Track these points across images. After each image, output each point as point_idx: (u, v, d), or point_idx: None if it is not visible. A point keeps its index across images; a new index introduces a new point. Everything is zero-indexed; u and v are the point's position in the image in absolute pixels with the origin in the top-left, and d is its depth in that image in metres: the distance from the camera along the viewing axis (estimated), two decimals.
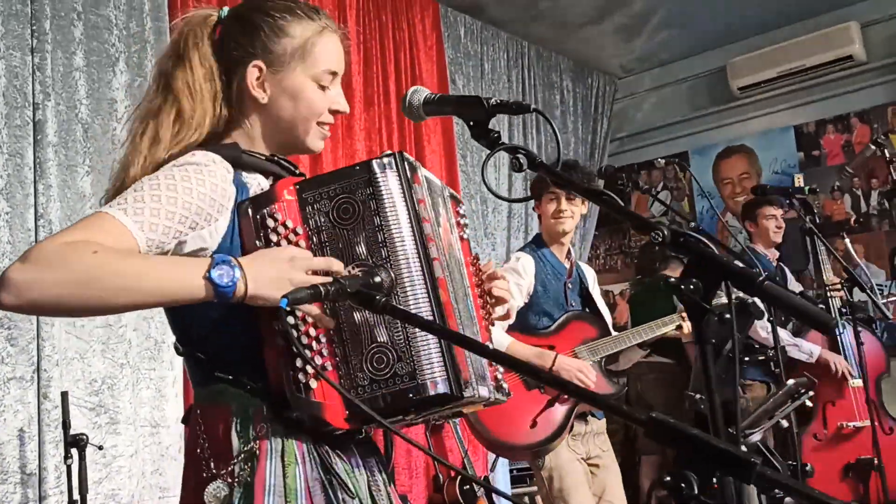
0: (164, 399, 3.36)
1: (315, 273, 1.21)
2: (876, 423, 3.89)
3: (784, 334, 3.90)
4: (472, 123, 1.28)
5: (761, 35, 5.81)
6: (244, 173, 1.35)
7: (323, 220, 1.28)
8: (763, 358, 2.29)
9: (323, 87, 1.39)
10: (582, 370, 2.73)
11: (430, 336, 1.24)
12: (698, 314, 1.02)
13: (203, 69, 1.37)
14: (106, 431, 3.16)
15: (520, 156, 1.19)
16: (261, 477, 1.22)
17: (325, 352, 1.25)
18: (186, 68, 1.37)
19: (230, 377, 1.27)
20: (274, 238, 1.26)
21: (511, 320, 2.21)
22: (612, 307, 6.50)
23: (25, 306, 1.10)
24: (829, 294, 3.74)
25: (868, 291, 3.23)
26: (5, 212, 3.02)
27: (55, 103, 3.17)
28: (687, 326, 2.70)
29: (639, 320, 5.45)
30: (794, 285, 4.31)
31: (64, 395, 2.94)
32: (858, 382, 3.80)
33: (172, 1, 3.60)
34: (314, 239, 1.28)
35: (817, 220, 3.76)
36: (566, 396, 2.75)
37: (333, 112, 1.42)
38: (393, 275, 1.26)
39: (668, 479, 0.90)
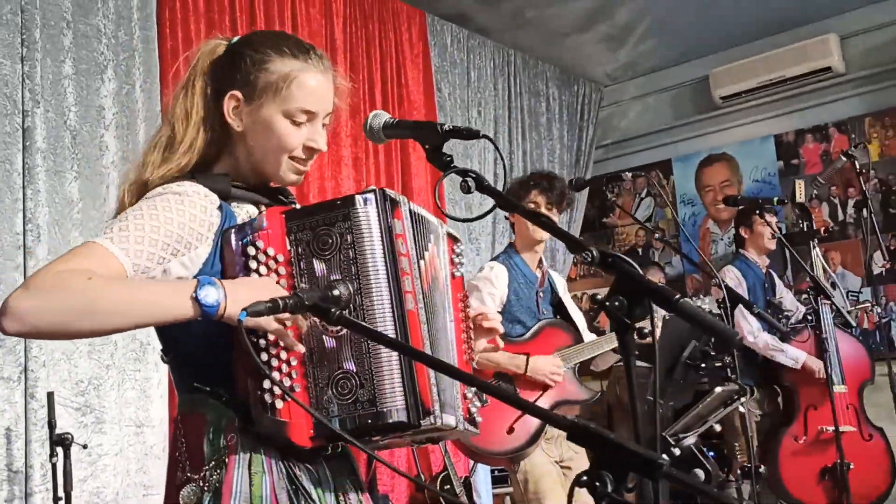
0: (149, 400, 3.44)
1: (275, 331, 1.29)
2: (854, 429, 3.99)
3: (771, 340, 3.98)
4: (427, 147, 1.37)
5: (743, 46, 5.93)
6: (234, 203, 1.43)
7: (303, 249, 1.35)
8: (720, 364, 2.38)
9: (298, 124, 1.43)
10: (554, 371, 2.81)
11: (393, 366, 1.31)
12: (623, 329, 1.12)
13: (200, 97, 1.46)
14: (91, 431, 3.23)
15: (469, 179, 1.28)
16: (228, 484, 1.31)
17: (294, 374, 1.32)
18: (188, 95, 1.46)
19: (208, 388, 1.35)
20: (254, 265, 1.34)
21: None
22: (596, 312, 6.61)
23: (27, 332, 1.20)
24: (821, 299, 3.78)
25: (832, 301, 3.32)
26: None
27: (44, 110, 3.25)
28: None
29: None
30: (784, 292, 4.40)
31: (50, 395, 3.02)
32: (843, 388, 3.90)
33: (161, 10, 3.69)
34: (294, 267, 1.35)
35: (813, 227, 3.84)
36: (551, 399, 2.83)
37: (309, 150, 1.46)
38: (364, 301, 1.32)
39: (585, 477, 0.99)
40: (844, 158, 4.01)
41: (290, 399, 1.30)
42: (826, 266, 4.23)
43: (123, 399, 3.37)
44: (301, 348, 1.33)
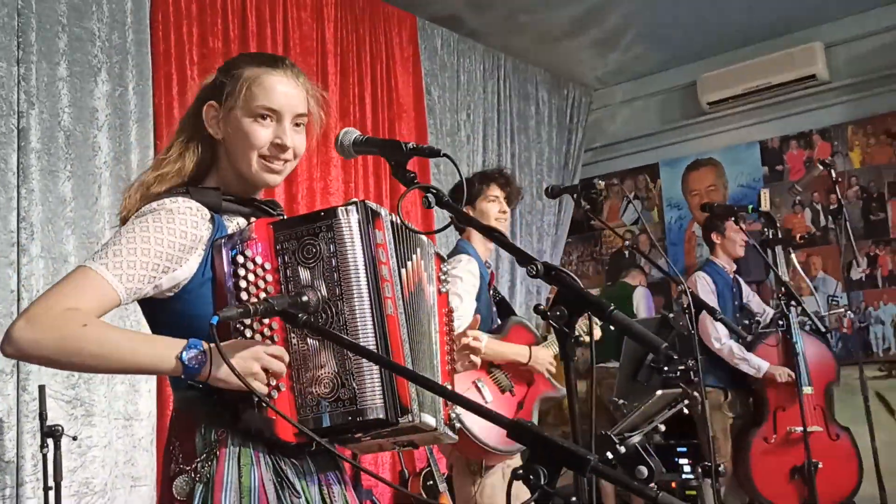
0: (138, 394, 3.53)
1: (265, 369, 1.38)
2: (822, 429, 4.11)
3: (736, 348, 4.09)
4: (393, 163, 1.46)
5: (730, 52, 6.02)
6: (226, 216, 1.53)
7: (289, 258, 1.44)
8: (683, 368, 2.47)
9: (263, 122, 1.52)
10: (553, 362, 2.87)
11: (372, 366, 1.40)
12: (562, 337, 1.21)
13: (193, 117, 1.59)
14: (81, 423, 3.32)
15: (430, 194, 1.37)
16: (219, 476, 1.41)
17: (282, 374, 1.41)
18: (186, 118, 1.61)
19: (200, 386, 1.43)
20: (242, 272, 1.43)
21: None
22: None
23: (24, 359, 1.41)
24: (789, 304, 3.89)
25: (804, 306, 3.42)
26: None
27: (39, 111, 3.33)
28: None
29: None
30: (751, 295, 4.50)
31: (41, 388, 3.11)
32: (809, 390, 4.01)
33: (154, 14, 3.77)
34: (281, 275, 1.44)
35: (779, 236, 3.94)
36: (535, 393, 2.89)
37: (277, 147, 1.53)
38: (345, 306, 1.41)
39: (521, 471, 1.09)
40: (821, 167, 4.11)
41: (275, 397, 1.40)
42: (800, 270, 4.34)
43: (113, 393, 3.45)
44: (281, 364, 1.41)
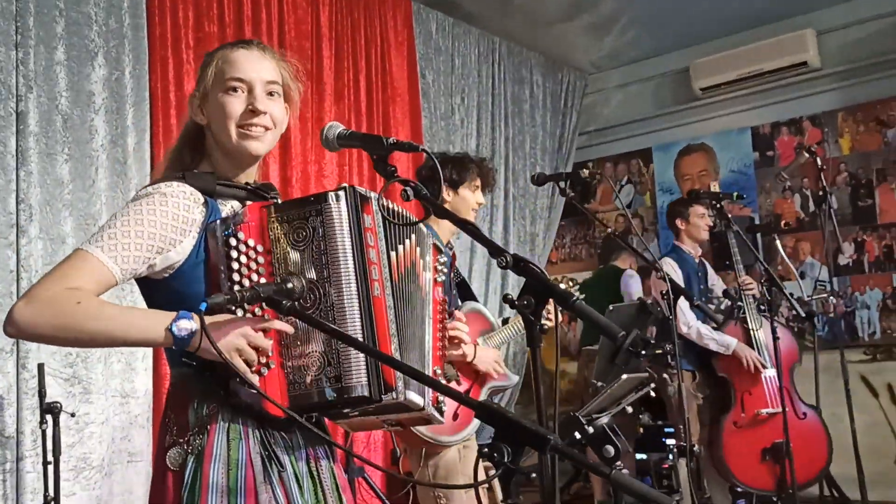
0: (134, 372, 3.61)
1: (251, 345, 1.45)
2: (789, 409, 4.22)
3: (704, 329, 4.19)
4: (375, 157, 1.53)
5: (723, 39, 6.06)
6: (220, 200, 1.61)
7: (281, 240, 1.51)
8: (660, 352, 2.56)
9: (235, 93, 1.59)
10: (497, 361, 2.90)
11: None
12: (529, 324, 1.29)
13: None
14: (79, 400, 3.41)
15: (408, 188, 1.44)
16: (209, 448, 1.49)
17: (271, 352, 1.49)
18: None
19: (194, 363, 1.51)
20: (235, 254, 1.50)
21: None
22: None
23: (25, 338, 1.52)
24: (743, 291, 4.03)
25: (784, 292, 3.51)
26: None
27: (37, 95, 3.39)
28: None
29: (589, 304, 5.74)
30: (715, 279, 4.60)
31: (41, 366, 3.19)
32: (771, 372, 4.12)
33: None
34: (273, 256, 1.51)
35: (732, 226, 4.06)
36: (478, 384, 2.92)
37: (251, 113, 1.59)
38: (332, 288, 1.47)
39: (486, 449, 1.17)
40: (807, 154, 4.18)
41: (264, 375, 1.48)
42: (784, 256, 4.43)
43: (110, 371, 3.54)
44: (290, 328, 1.48)
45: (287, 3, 4.43)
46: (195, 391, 1.53)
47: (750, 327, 3.91)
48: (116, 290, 1.51)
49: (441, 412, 1.70)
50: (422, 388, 1.61)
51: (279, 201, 1.62)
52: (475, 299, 3.15)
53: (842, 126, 5.74)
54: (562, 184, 2.71)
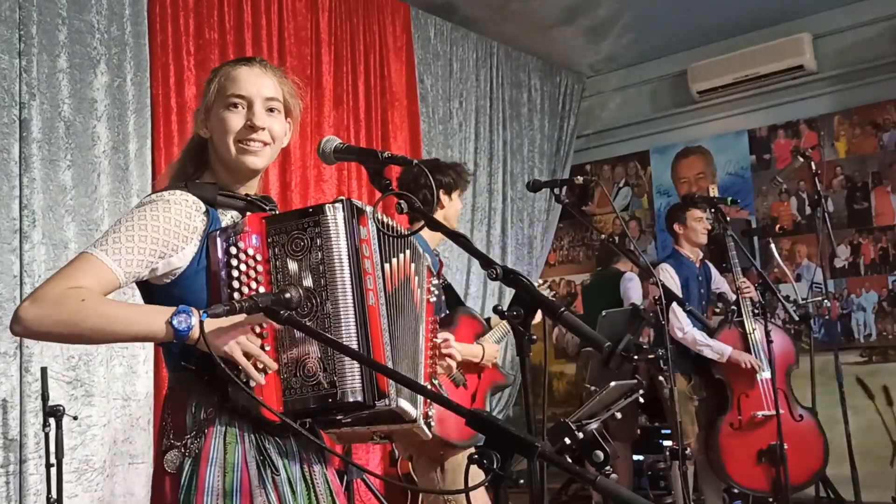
0: (136, 375, 3.66)
1: (246, 354, 1.49)
2: (784, 412, 4.26)
3: (699, 336, 4.22)
4: (370, 170, 1.58)
5: (720, 42, 6.10)
6: (220, 209, 1.65)
7: (279, 250, 1.55)
8: (652, 357, 2.60)
9: (235, 110, 1.64)
10: (496, 354, 2.98)
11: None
12: (519, 334, 1.34)
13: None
14: (81, 403, 3.45)
15: (402, 202, 1.49)
16: (206, 451, 1.53)
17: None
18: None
19: (193, 368, 1.56)
20: (234, 263, 1.55)
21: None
22: (573, 296, 6.85)
23: (30, 336, 1.56)
24: (740, 294, 4.07)
25: (778, 296, 3.55)
26: None
27: (40, 102, 3.44)
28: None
29: (590, 307, 5.77)
30: (720, 281, 4.64)
31: (43, 369, 3.24)
32: (767, 374, 4.16)
33: (151, 6, 3.86)
34: (271, 265, 1.55)
35: (728, 230, 4.10)
36: (486, 384, 3.01)
37: (250, 128, 1.63)
38: (329, 296, 1.51)
39: (476, 456, 1.21)
40: (801, 159, 4.22)
41: (261, 380, 1.52)
42: (779, 260, 4.47)
43: (112, 374, 3.58)
44: (271, 363, 1.52)
45: (287, 9, 4.47)
46: (192, 395, 1.57)
47: (747, 330, 3.95)
48: (119, 292, 1.55)
49: (430, 427, 1.74)
50: (414, 398, 1.65)
51: (278, 212, 1.66)
52: (462, 303, 3.21)
53: (838, 129, 5.78)
54: (557, 190, 2.75)
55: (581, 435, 1.74)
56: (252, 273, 1.55)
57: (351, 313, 1.53)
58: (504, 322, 2.99)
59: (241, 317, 1.49)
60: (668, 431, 4.47)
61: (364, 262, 1.57)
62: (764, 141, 6.09)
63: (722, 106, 6.20)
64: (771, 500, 4.26)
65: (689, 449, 2.66)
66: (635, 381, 2.14)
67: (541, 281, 4.33)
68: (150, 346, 3.67)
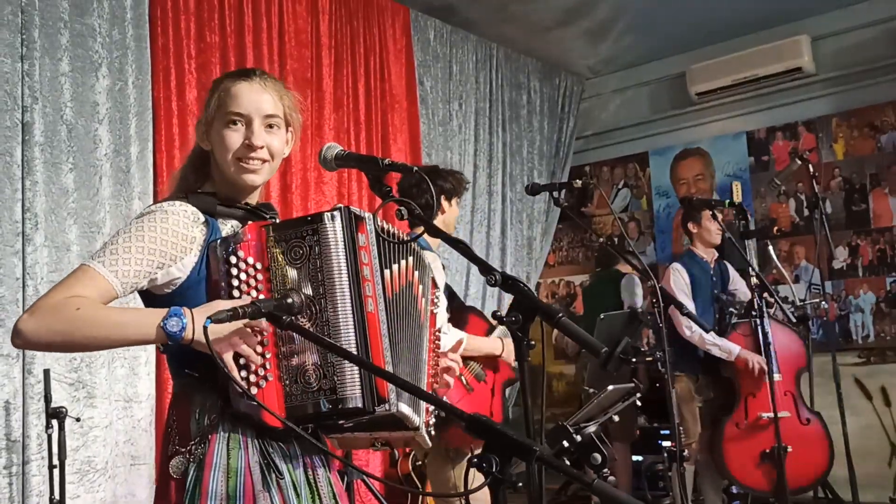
0: (137, 377, 3.68)
1: (238, 355, 1.51)
2: (793, 414, 4.28)
3: (707, 335, 4.24)
4: (371, 177, 1.60)
5: (719, 44, 6.13)
6: (220, 219, 1.67)
7: (279, 258, 1.57)
8: (651, 359, 2.62)
9: (235, 127, 1.66)
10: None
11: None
12: (518, 340, 1.36)
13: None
14: (84, 405, 3.47)
15: (402, 208, 1.51)
16: (210, 457, 1.56)
17: (268, 364, 1.55)
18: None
19: (196, 374, 1.58)
20: (235, 272, 1.57)
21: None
22: (572, 297, 6.88)
23: (31, 348, 1.62)
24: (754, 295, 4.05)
25: (775, 297, 3.57)
26: None
27: (42, 106, 3.46)
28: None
29: (590, 309, 5.78)
30: (738, 282, 4.63)
31: (46, 371, 3.26)
32: (778, 377, 4.17)
33: (153, 10, 3.88)
34: (271, 274, 1.57)
35: (751, 227, 4.09)
36: (501, 379, 3.06)
37: (248, 147, 1.65)
38: (328, 304, 1.53)
39: (475, 459, 1.23)
40: (799, 161, 4.25)
41: (262, 387, 1.54)
42: (776, 261, 4.48)
43: (114, 376, 3.60)
44: (256, 360, 1.54)
45: (287, 12, 4.49)
46: (197, 401, 1.59)
47: (765, 331, 3.94)
48: (122, 301, 1.57)
49: (430, 436, 1.76)
50: (415, 404, 1.66)
51: (277, 220, 1.68)
52: (464, 304, 3.26)
53: (836, 131, 5.80)
54: (555, 193, 2.78)
55: (579, 438, 1.77)
56: (252, 281, 1.57)
57: (350, 320, 1.55)
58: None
59: (242, 322, 1.51)
60: (668, 432, 4.49)
61: (363, 269, 1.58)
62: (762, 143, 6.12)
63: (720, 108, 6.23)
64: (771, 500, 4.28)
65: (687, 450, 2.68)
66: (633, 384, 2.16)
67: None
68: (151, 348, 3.69)
